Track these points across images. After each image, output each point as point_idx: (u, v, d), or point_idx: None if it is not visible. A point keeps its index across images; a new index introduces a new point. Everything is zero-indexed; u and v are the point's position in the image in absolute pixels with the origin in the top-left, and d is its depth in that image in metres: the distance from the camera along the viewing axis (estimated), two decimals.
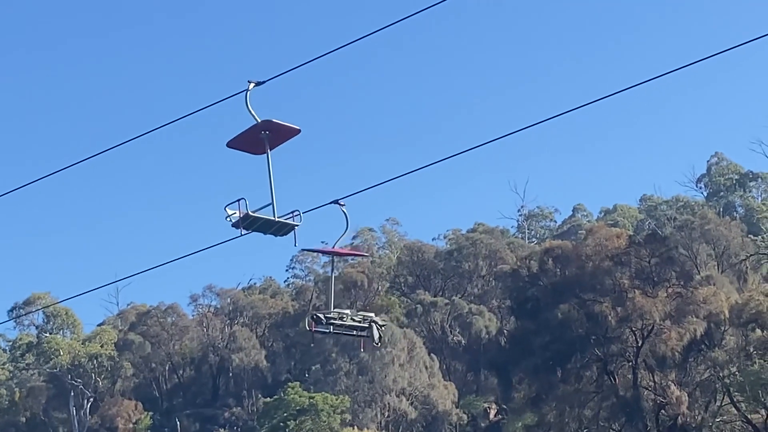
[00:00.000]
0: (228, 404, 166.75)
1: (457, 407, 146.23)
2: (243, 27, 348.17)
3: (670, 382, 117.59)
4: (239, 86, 26.44)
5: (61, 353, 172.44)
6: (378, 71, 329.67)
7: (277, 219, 27.47)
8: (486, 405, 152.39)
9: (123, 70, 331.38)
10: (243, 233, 27.52)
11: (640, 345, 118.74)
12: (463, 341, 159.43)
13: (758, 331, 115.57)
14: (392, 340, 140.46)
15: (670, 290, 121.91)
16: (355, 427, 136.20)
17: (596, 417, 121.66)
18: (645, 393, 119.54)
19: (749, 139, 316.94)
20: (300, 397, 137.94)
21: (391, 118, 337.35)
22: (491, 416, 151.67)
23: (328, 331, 31.62)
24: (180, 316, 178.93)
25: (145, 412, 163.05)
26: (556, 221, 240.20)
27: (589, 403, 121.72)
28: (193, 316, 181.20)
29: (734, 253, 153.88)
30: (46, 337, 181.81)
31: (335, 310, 31.66)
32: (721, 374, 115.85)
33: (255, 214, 27.32)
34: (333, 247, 31.58)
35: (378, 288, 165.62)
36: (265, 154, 27.50)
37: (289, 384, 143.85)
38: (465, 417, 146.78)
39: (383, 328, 32.27)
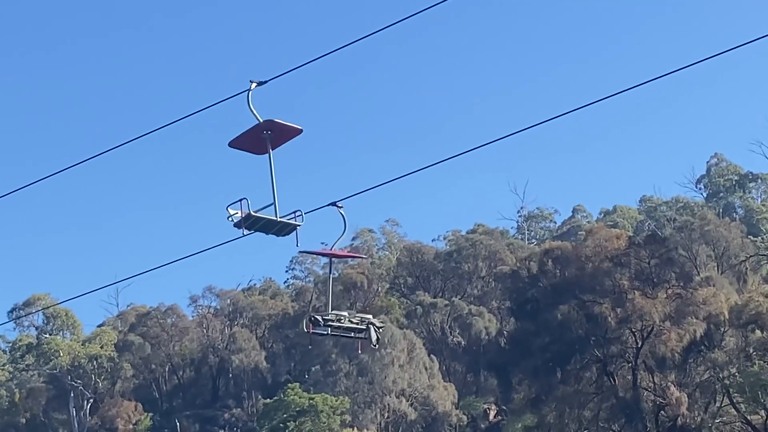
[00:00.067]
0: (228, 405, 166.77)
1: (456, 408, 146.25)
2: (245, 27, 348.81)
3: (669, 383, 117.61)
4: (241, 86, 26.50)
5: (61, 354, 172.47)
6: (379, 72, 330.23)
7: (279, 219, 27.46)
8: (486, 406, 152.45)
9: (124, 70, 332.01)
10: (245, 233, 27.52)
11: (639, 346, 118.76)
12: (462, 342, 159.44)
13: (758, 332, 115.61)
14: (392, 341, 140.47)
15: (669, 291, 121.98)
16: (355, 428, 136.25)
17: (596, 418, 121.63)
18: (645, 394, 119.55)
19: (749, 140, 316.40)
20: (300, 398, 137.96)
21: (391, 118, 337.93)
22: (491, 417, 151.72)
23: (325, 333, 31.66)
24: (180, 317, 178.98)
25: (145, 413, 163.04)
26: (555, 222, 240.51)
27: (588, 404, 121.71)
28: (192, 317, 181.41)
29: (734, 254, 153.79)
30: (46, 338, 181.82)
31: (333, 312, 31.67)
32: (720, 375, 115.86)
33: (257, 214, 27.31)
34: (331, 249, 31.56)
35: (378, 289, 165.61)
36: (267, 154, 27.53)
37: (289, 385, 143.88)
38: (465, 418, 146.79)
39: (381, 330, 32.31)
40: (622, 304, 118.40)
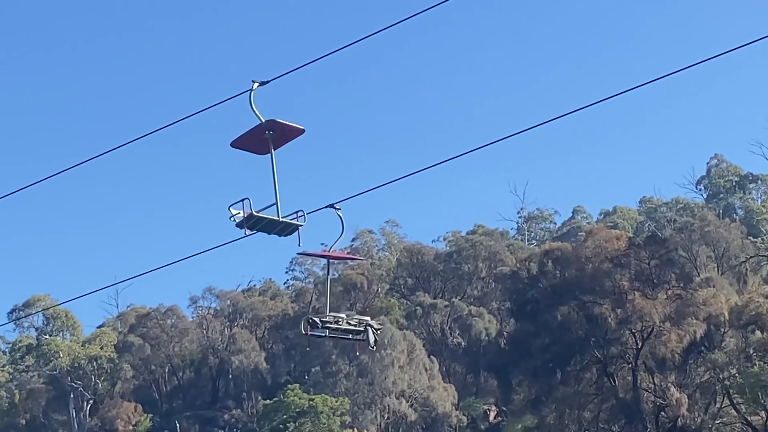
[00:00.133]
0: (228, 406, 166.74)
1: (456, 409, 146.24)
2: (247, 27, 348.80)
3: (669, 384, 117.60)
4: (243, 86, 26.49)
5: (61, 355, 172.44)
6: (379, 73, 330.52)
7: (281, 219, 27.44)
8: (486, 407, 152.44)
9: (126, 71, 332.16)
10: (247, 233, 27.48)
11: (639, 347, 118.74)
12: (462, 343, 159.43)
13: (758, 333, 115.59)
14: (392, 342, 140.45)
15: (669, 292, 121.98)
16: (355, 429, 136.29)
17: (596, 419, 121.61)
18: (645, 395, 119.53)
19: (749, 141, 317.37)
20: (300, 399, 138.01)
21: (392, 119, 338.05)
22: (491, 418, 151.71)
23: (323, 335, 31.63)
24: (180, 318, 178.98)
25: (145, 414, 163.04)
26: (555, 223, 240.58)
27: (588, 405, 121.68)
28: (192, 318, 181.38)
29: (734, 255, 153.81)
30: (45, 339, 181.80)
31: (331, 314, 31.61)
32: (720, 376, 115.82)
33: (259, 214, 27.28)
34: (329, 251, 31.51)
35: (378, 290, 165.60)
36: (269, 154, 27.50)
37: (289, 386, 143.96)
38: (465, 419, 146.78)
39: (379, 332, 32.32)
40: (622, 305, 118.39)
